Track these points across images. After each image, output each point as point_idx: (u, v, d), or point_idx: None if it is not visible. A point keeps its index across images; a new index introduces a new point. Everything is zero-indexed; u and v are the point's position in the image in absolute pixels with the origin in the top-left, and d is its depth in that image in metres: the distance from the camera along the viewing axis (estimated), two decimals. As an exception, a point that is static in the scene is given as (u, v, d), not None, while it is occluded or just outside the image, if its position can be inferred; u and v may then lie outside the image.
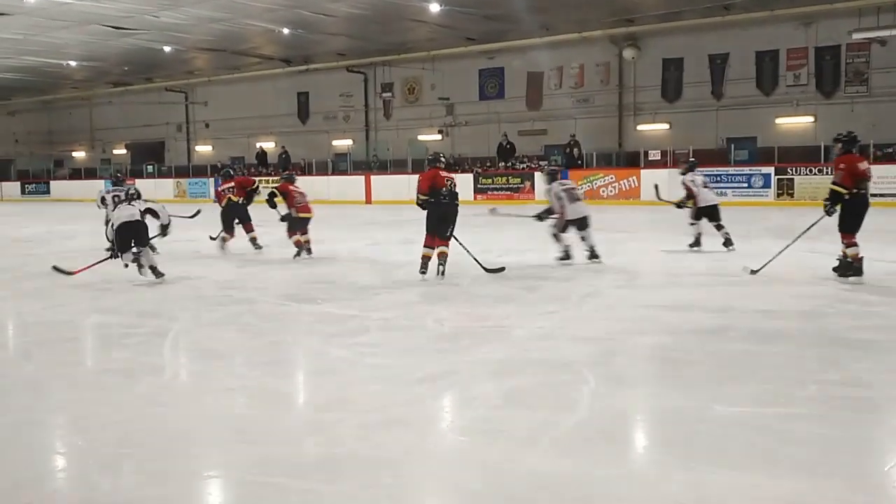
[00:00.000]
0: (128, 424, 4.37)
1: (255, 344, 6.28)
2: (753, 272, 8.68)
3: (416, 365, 5.52)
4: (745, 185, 20.48)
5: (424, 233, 9.27)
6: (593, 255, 10.09)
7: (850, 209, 8.41)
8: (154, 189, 32.19)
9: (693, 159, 12.84)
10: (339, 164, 30.75)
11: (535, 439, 4.01)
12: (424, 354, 5.88)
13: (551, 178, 10.61)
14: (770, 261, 8.81)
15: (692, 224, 11.19)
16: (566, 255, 10.16)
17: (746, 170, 21.04)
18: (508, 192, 24.36)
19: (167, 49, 27.72)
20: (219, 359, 5.85)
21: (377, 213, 20.97)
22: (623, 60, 25.29)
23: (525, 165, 25.20)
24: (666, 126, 24.96)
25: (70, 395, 5.02)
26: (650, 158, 23.26)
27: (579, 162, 24.31)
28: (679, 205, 11.37)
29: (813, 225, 8.83)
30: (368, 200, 26.58)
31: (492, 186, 24.95)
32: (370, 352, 5.90)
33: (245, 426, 4.34)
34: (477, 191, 25.18)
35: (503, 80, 27.92)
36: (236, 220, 12.47)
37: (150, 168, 35.21)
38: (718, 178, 21.00)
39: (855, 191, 8.36)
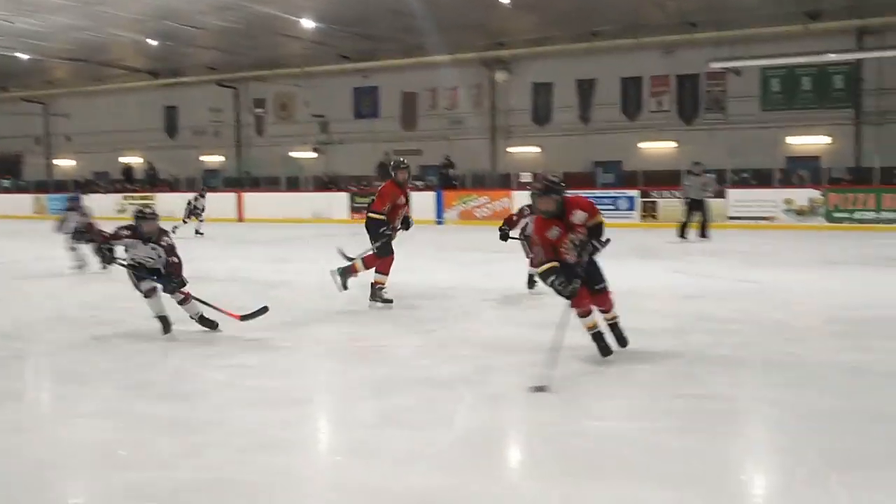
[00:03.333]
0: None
1: (124, 367, 6.07)
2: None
3: (293, 386, 5.47)
4: (612, 207, 21.20)
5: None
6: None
7: None
8: (11, 205, 30.65)
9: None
10: (209, 181, 30.07)
11: (413, 458, 4.05)
12: (301, 375, 5.83)
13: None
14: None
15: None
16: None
17: (613, 192, 21.81)
18: (383, 211, 24.37)
19: (24, 57, 26.49)
20: (84, 383, 5.64)
21: (250, 232, 20.63)
22: (495, 83, 25.84)
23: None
24: (537, 149, 25.62)
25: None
26: (521, 181, 23.80)
27: (454, 183, 24.59)
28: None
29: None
30: (241, 218, 26.09)
31: (367, 205, 24.88)
32: (246, 373, 5.80)
33: (114, 452, 4.20)
34: (354, 210, 25.11)
35: (378, 99, 28.05)
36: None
37: (5, 183, 33.45)
38: (586, 200, 21.63)
39: None
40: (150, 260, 6.98)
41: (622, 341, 6.16)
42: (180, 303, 7.09)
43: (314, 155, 29.04)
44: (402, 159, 9.08)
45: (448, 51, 24.18)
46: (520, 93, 25.62)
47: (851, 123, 21.93)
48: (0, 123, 34.13)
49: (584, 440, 4.35)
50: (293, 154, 29.25)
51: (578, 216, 5.81)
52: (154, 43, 24.37)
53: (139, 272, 7.00)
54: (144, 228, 6.88)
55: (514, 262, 12.97)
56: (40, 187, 32.38)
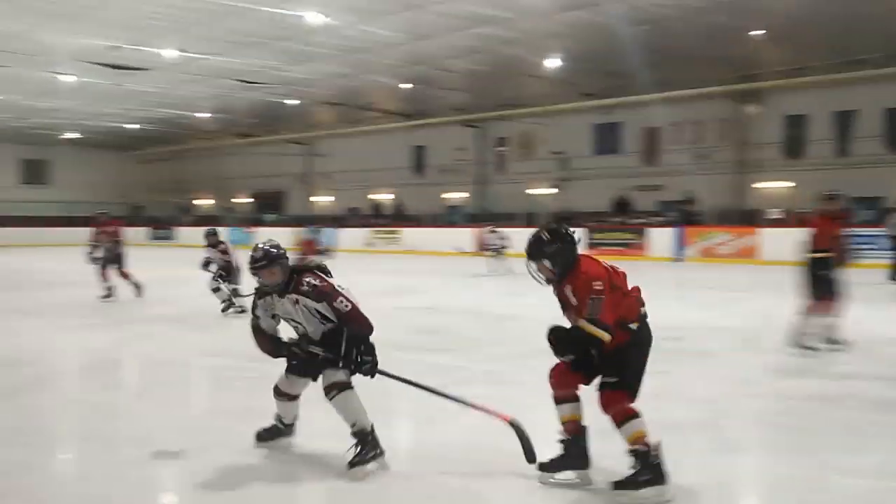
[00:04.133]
0: (236, 469, 4.49)
1: (361, 392, 6.29)
2: None
3: (517, 415, 5.44)
4: (870, 246, 19.49)
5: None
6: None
7: None
8: (274, 237, 33.36)
9: None
10: (451, 217, 31.07)
11: None
12: (528, 410, 5.78)
13: None
14: None
15: None
16: None
17: (871, 231, 20.04)
18: (621, 248, 24.05)
19: (292, 103, 28.84)
20: (320, 404, 5.91)
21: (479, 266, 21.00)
22: (744, 116, 24.80)
23: (639, 221, 24.90)
24: (788, 184, 24.23)
25: (179, 438, 5.14)
26: (769, 217, 22.58)
27: (696, 218, 23.80)
28: None
29: None
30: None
31: (605, 241, 24.67)
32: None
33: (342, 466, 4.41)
34: (591, 245, 24.92)
35: (620, 135, 27.79)
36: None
37: (270, 217, 36.44)
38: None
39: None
40: (294, 324, 4.59)
41: (626, 482, 4.04)
42: (330, 391, 4.56)
43: (552, 191, 29.19)
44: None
45: (693, 85, 23.56)
46: (770, 126, 24.41)
47: None
48: (269, 163, 37.42)
49: (828, 496, 3.97)
50: (532, 191, 29.57)
51: (567, 291, 4.17)
52: (406, 86, 25.66)
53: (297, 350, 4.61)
54: (262, 279, 4.54)
55: (753, 301, 12.31)
56: (300, 221, 34.89)
